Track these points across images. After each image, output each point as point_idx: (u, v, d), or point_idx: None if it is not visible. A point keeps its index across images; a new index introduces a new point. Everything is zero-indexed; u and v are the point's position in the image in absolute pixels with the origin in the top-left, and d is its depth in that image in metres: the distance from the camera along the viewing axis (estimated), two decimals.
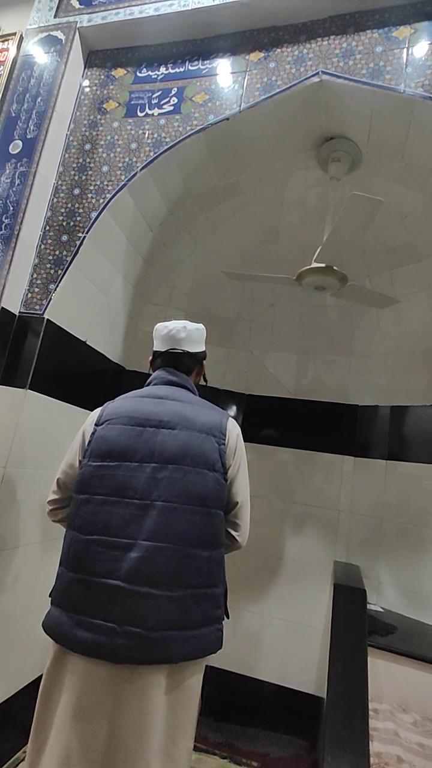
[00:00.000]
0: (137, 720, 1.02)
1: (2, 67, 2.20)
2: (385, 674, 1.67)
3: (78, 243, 1.94)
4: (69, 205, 2.01)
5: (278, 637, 2.46)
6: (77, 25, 2.15)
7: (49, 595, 1.17)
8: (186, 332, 1.40)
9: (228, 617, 1.21)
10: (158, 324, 1.45)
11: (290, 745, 2.18)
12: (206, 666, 1.17)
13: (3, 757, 1.71)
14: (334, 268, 1.96)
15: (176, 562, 1.08)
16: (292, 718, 2.27)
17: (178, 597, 1.07)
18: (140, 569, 1.06)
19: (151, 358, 1.45)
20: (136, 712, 1.02)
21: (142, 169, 1.98)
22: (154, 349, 1.43)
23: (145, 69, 2.14)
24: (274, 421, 2.81)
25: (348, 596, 1.78)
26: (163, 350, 1.41)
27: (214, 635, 1.13)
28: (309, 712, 2.19)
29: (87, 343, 2.10)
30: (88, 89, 2.19)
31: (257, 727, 2.26)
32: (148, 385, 1.38)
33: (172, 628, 1.06)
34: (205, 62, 2.04)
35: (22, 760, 1.20)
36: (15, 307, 1.88)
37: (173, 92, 2.05)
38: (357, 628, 1.66)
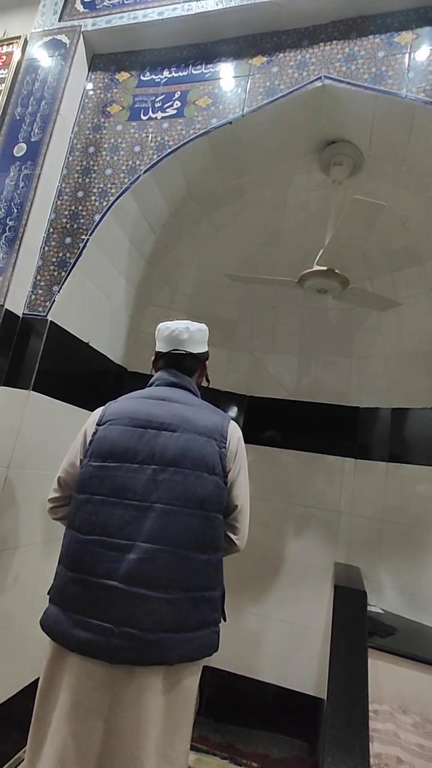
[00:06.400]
0: (133, 721, 1.02)
1: (7, 70, 2.21)
2: (386, 676, 1.67)
3: (81, 245, 1.95)
4: (72, 208, 2.03)
5: (279, 638, 2.47)
6: (81, 29, 2.16)
7: (48, 593, 1.17)
8: (189, 333, 1.38)
9: (225, 620, 1.21)
10: (160, 324, 1.43)
11: (291, 746, 2.18)
12: (207, 667, 1.18)
13: (5, 756, 1.72)
14: (336, 271, 1.97)
15: (174, 564, 1.09)
16: (292, 719, 2.27)
17: (175, 599, 1.07)
18: (138, 571, 1.06)
19: (153, 358, 1.44)
20: (133, 713, 1.02)
21: (145, 172, 2.00)
22: (157, 349, 1.42)
23: (148, 73, 2.15)
24: (275, 422, 2.82)
25: (348, 598, 1.79)
26: (165, 351, 1.40)
27: (211, 638, 1.14)
28: (310, 713, 2.20)
29: (90, 344, 2.11)
30: (92, 92, 2.21)
31: (258, 728, 2.26)
32: (150, 386, 1.38)
33: (168, 631, 1.06)
34: (209, 66, 2.05)
35: (23, 759, 1.22)
36: (19, 308, 1.89)
37: (176, 96, 2.06)
38: (357, 629, 1.66)
